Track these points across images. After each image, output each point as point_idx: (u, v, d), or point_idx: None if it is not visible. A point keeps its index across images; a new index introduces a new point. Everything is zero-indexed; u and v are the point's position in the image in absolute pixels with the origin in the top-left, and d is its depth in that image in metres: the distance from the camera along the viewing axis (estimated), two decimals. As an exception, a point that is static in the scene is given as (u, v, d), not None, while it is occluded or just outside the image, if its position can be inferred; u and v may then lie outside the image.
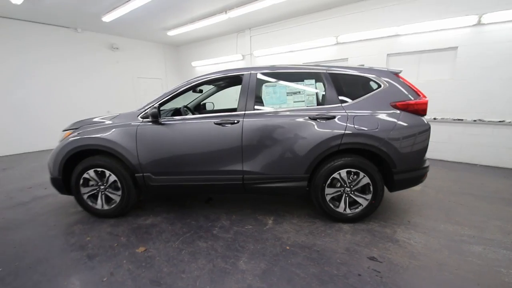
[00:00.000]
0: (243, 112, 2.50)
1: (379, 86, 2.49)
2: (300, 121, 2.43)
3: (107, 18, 5.98)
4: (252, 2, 5.32)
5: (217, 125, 2.48)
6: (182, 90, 2.66)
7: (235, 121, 2.46)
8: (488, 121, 4.49)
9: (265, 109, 2.53)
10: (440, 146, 5.05)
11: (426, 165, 2.55)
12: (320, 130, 2.39)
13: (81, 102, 7.46)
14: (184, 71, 9.84)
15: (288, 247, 2.16)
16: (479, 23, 4.34)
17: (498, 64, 4.32)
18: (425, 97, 2.50)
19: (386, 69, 2.56)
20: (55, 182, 2.73)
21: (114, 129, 2.58)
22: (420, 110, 2.44)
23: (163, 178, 2.61)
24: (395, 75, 2.54)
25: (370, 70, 2.54)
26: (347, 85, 2.55)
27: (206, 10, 5.89)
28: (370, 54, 5.47)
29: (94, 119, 2.84)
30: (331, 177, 2.45)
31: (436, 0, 4.66)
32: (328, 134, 2.38)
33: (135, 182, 2.66)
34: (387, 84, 2.48)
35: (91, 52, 7.56)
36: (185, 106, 3.45)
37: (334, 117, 2.40)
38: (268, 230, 2.46)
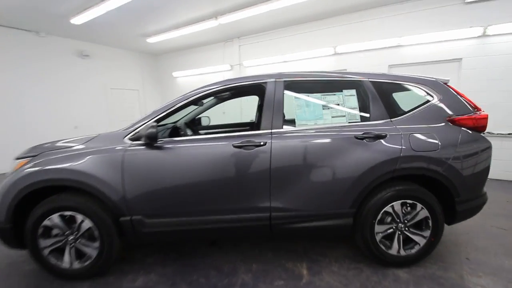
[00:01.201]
0: (269, 131, 1.93)
1: (431, 97, 2.06)
2: (343, 142, 1.91)
3: (77, 20, 5.16)
4: (246, 8, 4.86)
5: (237, 149, 1.87)
6: (186, 103, 2.03)
7: (261, 143, 1.87)
8: (498, 134, 4.34)
9: (298, 126, 1.98)
10: (448, 161, 4.82)
11: (484, 191, 2.15)
12: (369, 153, 1.88)
13: (40, 116, 6.37)
14: (164, 82, 9.07)
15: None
16: (484, 35, 4.25)
17: (503, 76, 4.21)
18: (481, 110, 2.12)
19: (434, 78, 2.16)
20: (1, 232, 1.92)
21: (89, 157, 1.86)
22: (480, 126, 2.04)
23: (160, 221, 1.92)
24: (445, 84, 2.14)
25: (418, 78, 2.12)
26: (394, 96, 2.10)
27: (194, 15, 5.33)
28: (371, 65, 5.22)
29: (60, 143, 2.08)
30: (382, 211, 1.94)
31: (440, 10, 4.54)
32: (380, 158, 1.87)
33: (120, 229, 1.93)
34: (440, 95, 2.06)
35: (55, 58, 6.57)
36: (185, 123, 2.77)
37: (384, 135, 1.91)
38: (306, 286, 1.85)
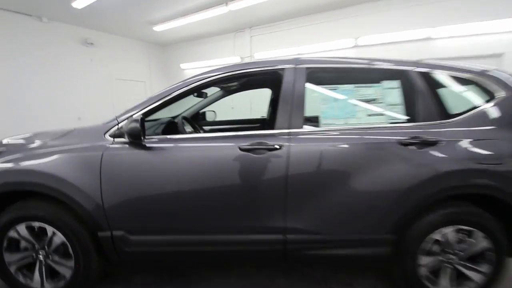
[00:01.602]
0: (287, 131, 1.51)
1: (498, 94, 1.59)
2: (382, 148, 1.47)
3: (78, 3, 4.84)
4: (260, -8, 4.42)
5: (244, 152, 1.46)
6: (181, 93, 1.64)
7: (276, 146, 1.45)
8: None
9: (323, 126, 1.55)
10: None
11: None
12: (416, 164, 1.45)
13: (42, 106, 6.11)
14: (171, 74, 8.72)
15: None
16: (532, 26, 3.68)
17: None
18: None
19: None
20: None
21: (60, 156, 1.49)
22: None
23: (147, 239, 1.55)
24: None
25: (483, 71, 1.64)
26: (448, 91, 1.64)
27: (203, 0, 4.91)
28: (396, 59, 4.69)
29: (29, 136, 1.72)
30: (429, 238, 1.51)
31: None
32: (431, 171, 1.44)
33: (99, 245, 1.57)
34: (504, 93, 1.59)
35: (59, 46, 6.27)
36: (184, 117, 2.35)
37: (435, 142, 1.46)
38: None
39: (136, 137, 1.42)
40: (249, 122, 3.06)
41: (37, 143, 1.58)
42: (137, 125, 1.38)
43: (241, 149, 1.45)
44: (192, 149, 1.50)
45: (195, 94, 2.67)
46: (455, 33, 4.21)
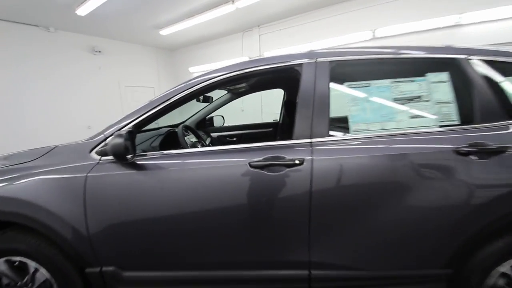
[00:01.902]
0: (308, 141, 1.21)
1: None
2: (432, 160, 1.15)
3: (82, 10, 4.73)
4: (267, -13, 4.13)
5: (256, 170, 1.17)
6: (181, 98, 1.37)
7: (295, 161, 1.15)
8: None
9: (353, 133, 1.24)
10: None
11: None
12: (479, 178, 1.11)
13: (52, 116, 6.09)
14: (180, 79, 8.53)
15: None
16: None
17: None
18: None
19: None
20: None
21: (37, 179, 1.26)
22: None
23: (143, 276, 1.29)
24: None
25: None
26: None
27: (208, 0, 4.69)
28: (419, 51, 4.28)
29: (3, 157, 1.49)
30: (495, 272, 1.17)
31: (520, -26, 3.52)
32: (500, 187, 1.10)
33: (87, 282, 1.33)
34: None
35: (67, 55, 6.24)
36: (185, 127, 2.08)
37: (504, 149, 1.12)
38: None
39: (120, 156, 1.16)
40: (260, 127, 2.78)
41: (12, 165, 1.36)
42: (121, 141, 1.12)
43: (252, 166, 1.17)
44: (192, 168, 1.23)
45: (200, 99, 2.43)
46: (487, 18, 3.76)
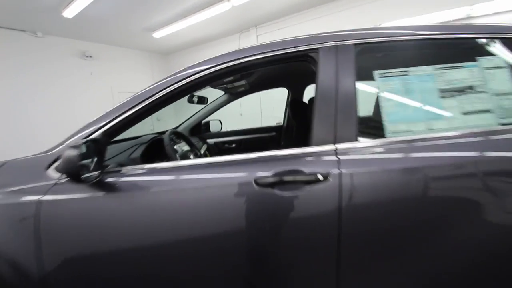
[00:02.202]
0: (332, 148, 0.91)
1: None
2: (498, 169, 0.86)
3: (69, 12, 4.47)
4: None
5: (264, 188, 0.87)
6: (166, 96, 1.07)
7: (318, 177, 0.85)
8: None
9: (390, 136, 0.94)
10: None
11: None
12: None
13: (42, 125, 5.79)
14: (175, 83, 8.31)
15: None
16: None
17: None
18: None
19: None
20: None
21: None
22: None
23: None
24: None
25: None
26: None
27: (202, -2, 4.44)
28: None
29: None
30: None
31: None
32: None
33: None
34: None
35: (56, 61, 5.97)
36: (175, 133, 1.73)
37: None
38: None
39: (73, 175, 0.87)
40: (263, 131, 2.49)
41: None
42: (74, 154, 0.82)
43: (258, 184, 0.87)
44: (177, 188, 0.93)
45: (195, 100, 2.14)
46: (499, 9, 3.52)
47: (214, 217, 0.88)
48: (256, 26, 5.97)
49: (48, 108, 5.86)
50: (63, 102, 6.11)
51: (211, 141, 2.47)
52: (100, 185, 0.93)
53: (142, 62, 7.73)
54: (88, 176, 0.84)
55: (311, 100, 1.59)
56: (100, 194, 0.92)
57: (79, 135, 1.03)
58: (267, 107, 5.54)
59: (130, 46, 7.18)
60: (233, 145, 2.51)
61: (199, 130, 2.44)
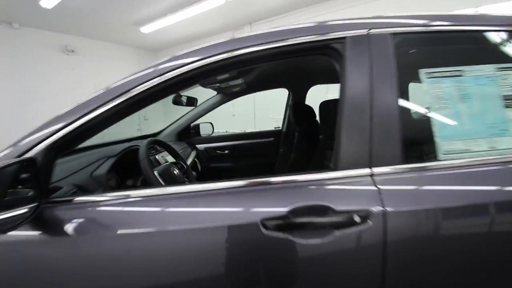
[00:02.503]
0: (367, 173, 0.66)
1: None
2: None
3: (48, 2, 4.09)
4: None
5: (276, 234, 0.61)
6: (145, 94, 0.80)
7: (354, 218, 0.60)
8: None
9: (445, 158, 0.69)
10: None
11: None
12: None
13: (19, 124, 5.33)
14: (165, 82, 7.97)
15: None
16: None
17: None
18: None
19: None
20: None
21: None
22: None
23: None
24: None
25: None
26: None
27: (194, -9, 4.15)
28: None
29: None
30: None
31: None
32: None
33: None
34: None
35: (35, 55, 5.53)
36: (155, 142, 1.38)
37: None
38: None
39: None
40: (259, 136, 2.23)
41: None
42: None
43: (267, 227, 0.61)
44: (153, 232, 0.65)
45: (183, 101, 1.86)
46: (509, 9, 3.39)
47: (203, 276, 0.61)
48: (250, 24, 5.72)
49: (25, 105, 5.42)
50: (42, 98, 5.65)
51: (201, 146, 2.20)
52: (39, 223, 0.65)
53: (129, 58, 7.33)
54: (5, 219, 0.55)
55: (323, 104, 1.34)
56: (37, 237, 0.64)
57: (14, 148, 0.73)
58: (261, 107, 5.32)
59: (116, 41, 6.78)
60: (226, 151, 2.24)
61: (188, 134, 2.16)
